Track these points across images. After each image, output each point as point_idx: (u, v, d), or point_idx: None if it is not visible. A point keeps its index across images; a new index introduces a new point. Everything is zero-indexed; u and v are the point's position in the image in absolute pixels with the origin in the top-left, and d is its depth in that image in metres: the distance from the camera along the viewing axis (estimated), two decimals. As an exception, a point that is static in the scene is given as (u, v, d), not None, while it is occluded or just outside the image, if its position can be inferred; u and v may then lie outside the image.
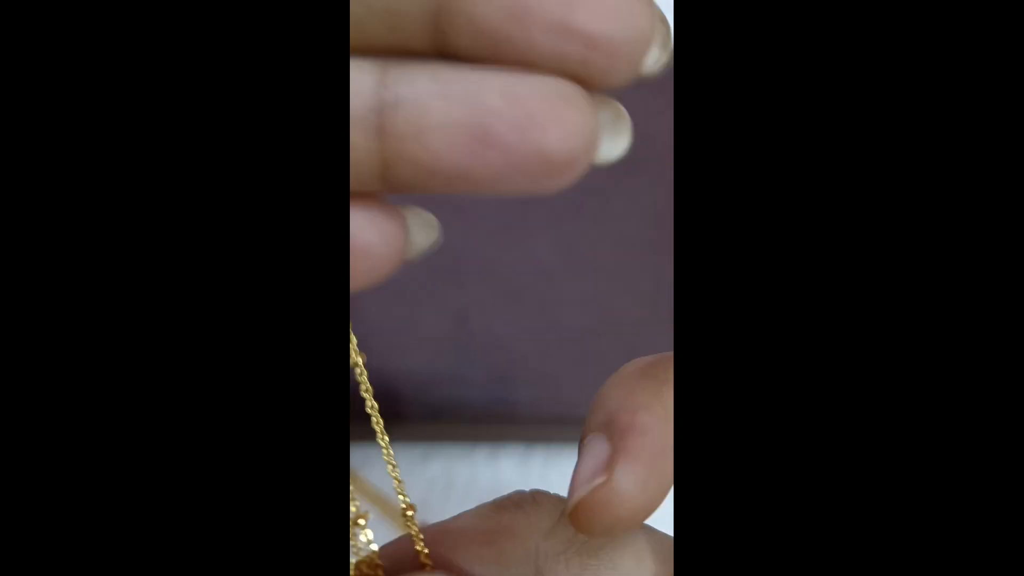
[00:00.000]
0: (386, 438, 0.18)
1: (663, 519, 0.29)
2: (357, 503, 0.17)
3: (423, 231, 0.14)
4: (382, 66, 0.13)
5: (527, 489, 0.19)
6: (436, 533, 0.17)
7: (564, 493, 0.35)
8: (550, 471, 0.37)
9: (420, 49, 0.13)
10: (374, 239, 0.14)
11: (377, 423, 0.18)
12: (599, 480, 0.15)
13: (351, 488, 0.15)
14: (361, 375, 0.17)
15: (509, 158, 0.12)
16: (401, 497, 0.17)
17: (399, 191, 0.13)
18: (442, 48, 0.13)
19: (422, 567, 0.17)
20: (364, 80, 0.13)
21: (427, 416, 0.34)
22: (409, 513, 0.17)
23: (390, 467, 0.17)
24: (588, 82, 0.12)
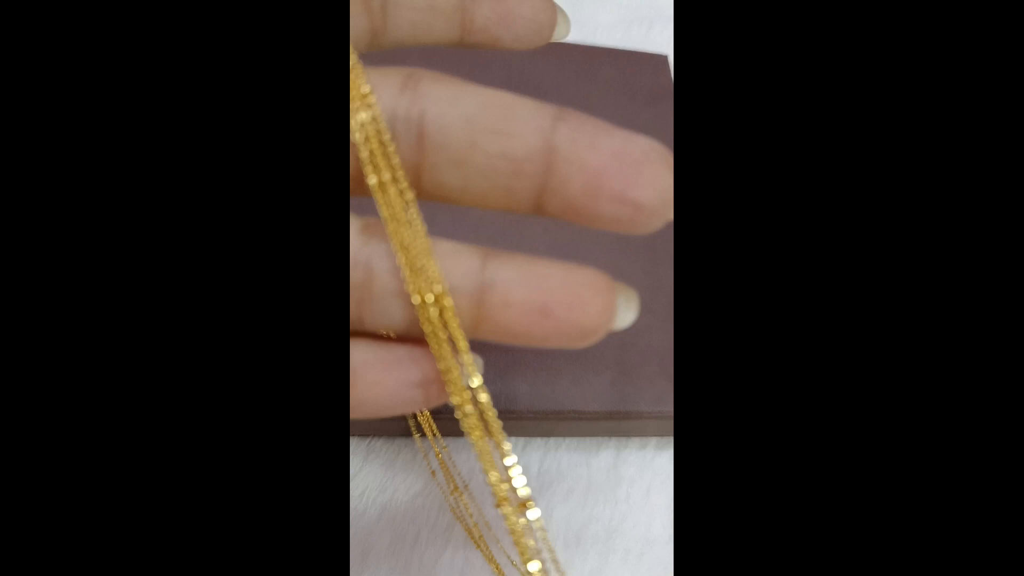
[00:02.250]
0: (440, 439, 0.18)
1: (664, 517, 0.28)
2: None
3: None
4: (484, 254, 0.17)
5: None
6: None
7: (564, 493, 0.36)
8: (548, 465, 0.37)
9: (523, 211, 0.17)
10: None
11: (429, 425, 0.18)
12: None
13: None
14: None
15: (559, 327, 0.17)
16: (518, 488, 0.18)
17: (476, 339, 0.17)
18: (539, 211, 0.17)
19: None
20: (471, 263, 0.17)
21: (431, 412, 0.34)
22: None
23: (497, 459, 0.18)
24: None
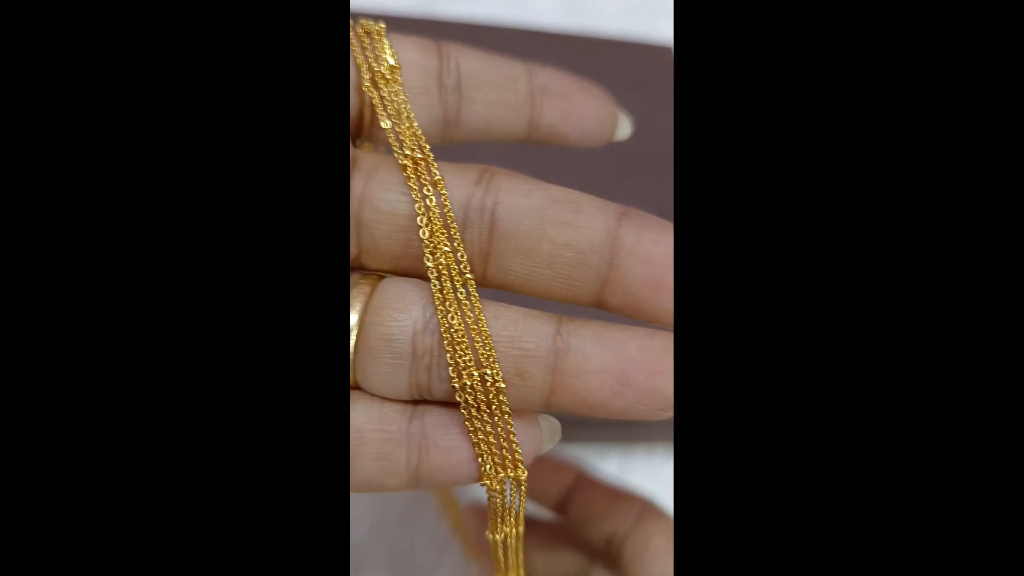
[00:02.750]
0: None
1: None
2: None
3: (551, 434, 0.19)
4: (558, 320, 0.17)
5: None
6: None
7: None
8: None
9: (585, 303, 0.18)
10: (524, 441, 0.18)
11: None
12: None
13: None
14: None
15: (638, 396, 0.17)
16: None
17: (552, 411, 0.18)
18: (600, 304, 0.18)
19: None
20: (544, 329, 0.17)
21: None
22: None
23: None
24: None
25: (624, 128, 0.21)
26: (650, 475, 0.37)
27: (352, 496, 0.34)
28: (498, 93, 0.20)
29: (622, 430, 0.35)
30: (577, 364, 0.17)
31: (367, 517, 0.34)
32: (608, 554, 0.26)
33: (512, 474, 0.17)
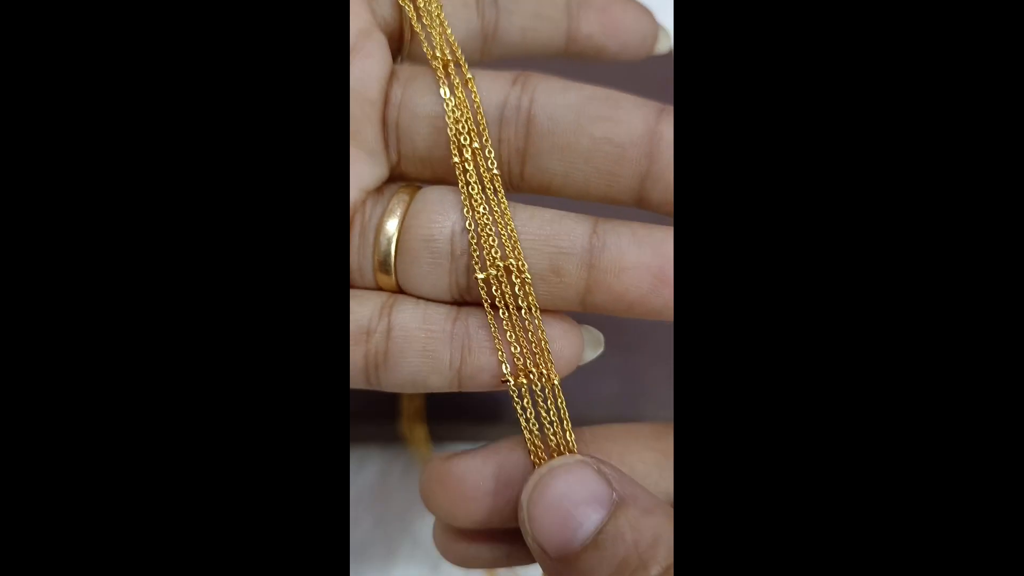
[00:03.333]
0: None
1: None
2: None
3: (593, 345, 0.18)
4: (594, 220, 0.17)
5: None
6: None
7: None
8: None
9: (624, 201, 0.18)
10: (565, 347, 0.18)
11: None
12: None
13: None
14: None
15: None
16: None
17: (590, 311, 0.17)
18: (641, 202, 0.18)
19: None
20: (580, 229, 0.17)
21: (436, 416, 0.34)
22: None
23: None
24: None
25: (665, 40, 0.21)
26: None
27: (352, 496, 0.34)
28: (536, 5, 0.20)
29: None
30: (613, 261, 0.17)
31: (367, 516, 0.34)
32: None
33: (544, 375, 0.17)
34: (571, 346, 0.18)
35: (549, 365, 0.17)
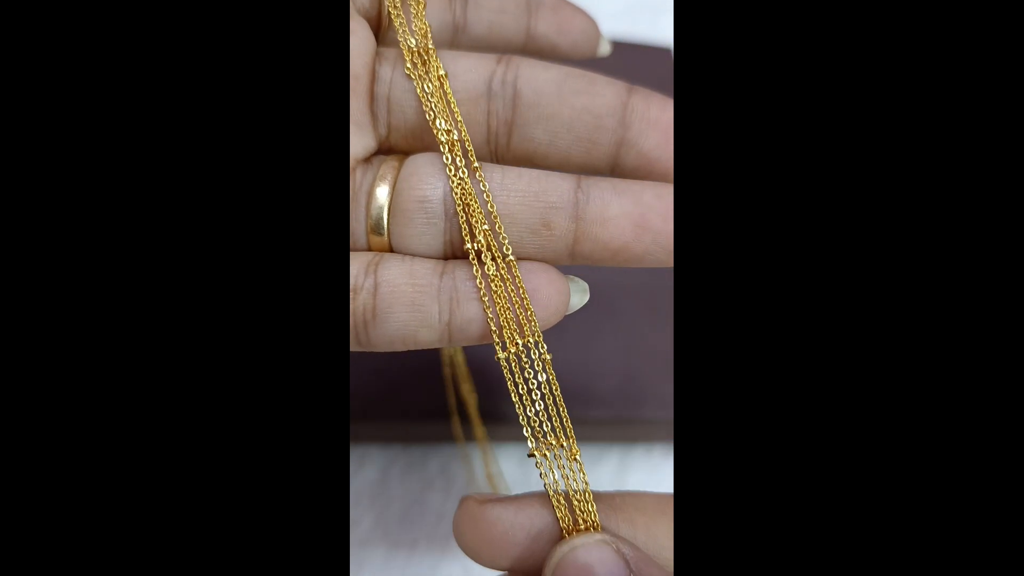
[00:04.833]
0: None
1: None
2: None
3: (579, 294, 0.19)
4: (577, 177, 0.18)
5: (526, 489, 0.19)
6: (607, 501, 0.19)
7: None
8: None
9: (602, 169, 0.19)
10: (552, 296, 0.18)
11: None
12: None
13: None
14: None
15: (656, 238, 0.18)
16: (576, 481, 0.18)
17: (577, 263, 0.18)
18: (616, 168, 0.19)
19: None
20: (566, 185, 0.18)
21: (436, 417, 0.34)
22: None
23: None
24: None
25: (604, 46, 0.23)
26: (650, 474, 0.36)
27: (352, 496, 0.34)
28: (499, 1, 0.21)
29: (622, 430, 0.35)
30: (598, 211, 0.18)
31: (367, 516, 0.34)
32: None
33: (528, 332, 0.18)
34: (558, 294, 0.18)
35: (532, 321, 0.18)
